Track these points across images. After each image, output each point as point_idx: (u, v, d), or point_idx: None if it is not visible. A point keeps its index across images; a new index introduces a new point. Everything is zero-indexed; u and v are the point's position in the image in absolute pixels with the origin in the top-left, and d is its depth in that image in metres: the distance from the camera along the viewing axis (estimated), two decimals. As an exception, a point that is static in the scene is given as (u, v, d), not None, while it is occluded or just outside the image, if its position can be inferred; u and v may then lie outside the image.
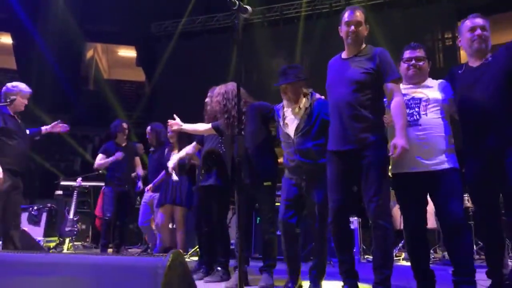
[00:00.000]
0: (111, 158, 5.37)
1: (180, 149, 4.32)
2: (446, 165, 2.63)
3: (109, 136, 5.74)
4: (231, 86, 3.47)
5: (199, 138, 4.03)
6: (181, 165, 4.47)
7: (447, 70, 2.97)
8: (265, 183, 3.26)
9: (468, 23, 2.74)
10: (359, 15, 2.75)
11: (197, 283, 3.13)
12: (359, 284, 2.80)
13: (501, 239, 2.65)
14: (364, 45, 2.80)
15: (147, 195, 5.47)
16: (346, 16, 2.77)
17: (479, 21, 2.70)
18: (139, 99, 10.63)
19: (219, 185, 3.66)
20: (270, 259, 3.27)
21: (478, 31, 2.67)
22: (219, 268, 3.62)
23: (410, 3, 8.41)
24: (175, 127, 3.66)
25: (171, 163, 4.09)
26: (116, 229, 5.22)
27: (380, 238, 2.67)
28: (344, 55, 2.85)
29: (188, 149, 4.14)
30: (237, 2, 2.50)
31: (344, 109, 2.69)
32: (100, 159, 5.45)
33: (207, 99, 3.87)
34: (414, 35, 8.02)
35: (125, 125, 5.59)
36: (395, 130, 2.59)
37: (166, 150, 5.01)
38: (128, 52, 12.36)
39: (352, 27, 2.73)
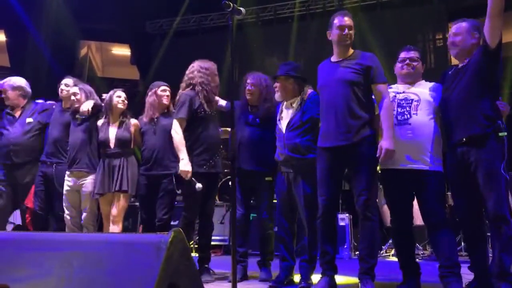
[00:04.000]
0: None
1: None
2: (431, 166, 2.76)
3: None
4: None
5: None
6: (123, 141, 3.72)
7: (438, 71, 3.10)
8: (266, 179, 3.37)
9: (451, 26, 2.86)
10: (350, 20, 2.92)
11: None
12: (349, 278, 2.90)
13: (483, 232, 2.74)
14: (352, 50, 2.96)
15: None
16: (337, 21, 2.92)
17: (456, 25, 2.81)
18: (133, 97, 10.64)
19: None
20: (268, 253, 3.41)
21: (450, 38, 2.80)
22: (206, 266, 3.45)
23: (401, 4, 8.53)
24: None
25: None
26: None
27: (367, 230, 2.79)
28: (333, 58, 3.00)
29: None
30: (231, 4, 2.58)
31: (339, 107, 2.83)
32: None
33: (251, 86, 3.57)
34: (405, 35, 8.13)
35: None
36: (383, 132, 2.74)
37: None
38: (122, 51, 12.37)
39: (346, 30, 2.88)
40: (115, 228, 3.68)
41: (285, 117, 3.15)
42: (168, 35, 9.64)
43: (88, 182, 3.76)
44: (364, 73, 2.83)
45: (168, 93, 3.78)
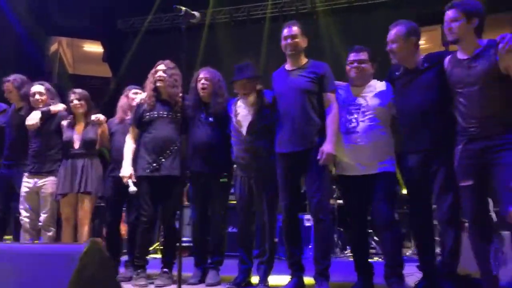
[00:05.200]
0: None
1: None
2: (380, 170, 2.83)
3: None
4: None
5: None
6: (88, 141, 3.66)
7: None
8: (221, 180, 3.34)
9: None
10: (295, 29, 2.98)
11: None
12: (310, 279, 2.97)
13: (432, 233, 2.85)
14: (306, 59, 3.04)
15: None
16: (283, 32, 3.01)
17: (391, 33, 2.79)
18: (103, 95, 10.49)
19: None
20: (218, 255, 3.34)
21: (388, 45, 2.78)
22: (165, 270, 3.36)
23: (372, 7, 8.69)
24: None
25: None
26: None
27: (320, 231, 2.88)
28: (288, 66, 3.08)
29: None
30: (182, 9, 2.58)
31: (294, 114, 2.92)
32: None
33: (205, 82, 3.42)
34: (375, 39, 8.27)
35: None
36: (326, 136, 2.83)
37: None
38: (94, 47, 12.16)
39: (289, 40, 2.97)
40: (83, 230, 3.63)
41: (244, 119, 3.14)
42: (140, 33, 9.53)
43: (48, 183, 3.68)
44: (318, 82, 2.93)
45: (139, 95, 3.76)
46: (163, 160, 3.27)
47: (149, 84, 3.44)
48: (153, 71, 3.43)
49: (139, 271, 3.33)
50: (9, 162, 3.85)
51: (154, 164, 3.26)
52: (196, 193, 3.42)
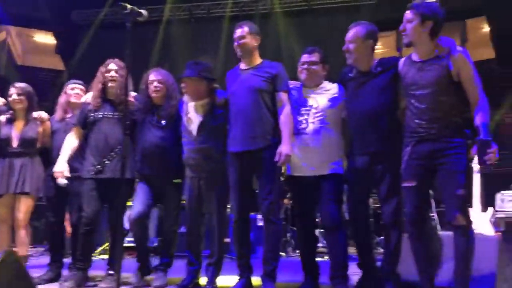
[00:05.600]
0: None
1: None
2: (329, 171, 2.87)
3: None
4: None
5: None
6: (28, 140, 3.51)
7: None
8: (175, 181, 3.27)
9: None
10: (242, 30, 2.99)
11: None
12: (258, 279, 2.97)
13: (370, 233, 2.95)
14: (260, 60, 3.05)
15: None
16: (234, 33, 3.03)
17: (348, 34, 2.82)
18: (55, 88, 10.08)
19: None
20: (167, 257, 3.27)
21: (345, 44, 2.81)
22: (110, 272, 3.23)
23: (331, 10, 8.86)
24: None
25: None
26: None
27: (270, 233, 2.89)
28: (242, 66, 3.08)
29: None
30: (127, 6, 2.49)
31: (247, 113, 2.90)
32: None
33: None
34: (333, 42, 8.42)
35: None
36: (282, 138, 2.83)
37: None
38: (46, 38, 11.64)
39: (237, 41, 2.99)
40: (21, 232, 3.47)
41: (194, 119, 3.10)
42: (95, 25, 9.23)
43: None
44: (271, 81, 2.94)
45: (77, 91, 3.61)
46: (107, 162, 3.18)
47: (97, 83, 3.30)
48: (103, 69, 3.29)
49: (74, 273, 3.21)
50: None
51: (98, 166, 3.16)
52: (148, 193, 3.28)
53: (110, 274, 3.20)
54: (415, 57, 2.60)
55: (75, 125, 3.33)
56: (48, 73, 11.41)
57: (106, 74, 3.26)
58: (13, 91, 3.54)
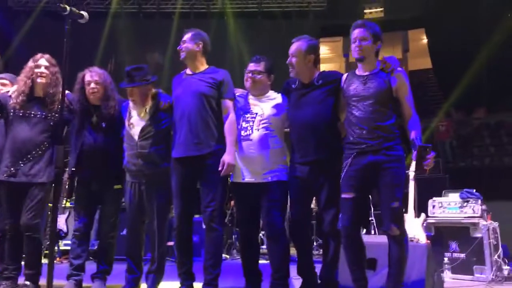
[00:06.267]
0: None
1: None
2: (271, 179, 2.89)
3: None
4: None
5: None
6: None
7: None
8: (115, 186, 3.16)
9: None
10: (185, 36, 3.02)
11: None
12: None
13: (309, 240, 3.02)
14: (206, 66, 3.06)
15: None
16: None
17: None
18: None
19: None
20: (105, 264, 3.16)
21: (289, 58, 2.89)
22: (27, 283, 2.93)
23: (280, 15, 8.98)
24: None
25: None
26: None
27: (211, 240, 2.87)
28: (187, 71, 3.07)
29: None
30: (67, 8, 2.37)
31: (192, 118, 2.88)
32: None
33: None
34: (280, 46, 8.54)
35: None
36: (226, 146, 2.84)
37: None
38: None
39: (180, 46, 3.03)
40: None
41: (137, 123, 3.01)
42: (34, 13, 8.71)
43: None
44: (216, 88, 2.94)
45: None
46: (22, 165, 2.94)
47: (23, 78, 3.03)
48: (32, 64, 3.04)
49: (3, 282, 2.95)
50: None
51: (12, 169, 2.93)
52: (84, 199, 3.18)
53: (25, 285, 2.93)
54: (359, 72, 2.74)
55: None
56: (-20, 61, 10.63)
57: (36, 70, 3.02)
58: None
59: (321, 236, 3.05)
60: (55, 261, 3.84)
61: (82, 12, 2.45)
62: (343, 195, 2.64)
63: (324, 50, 12.66)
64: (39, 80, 3.02)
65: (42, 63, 3.04)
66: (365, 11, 11.24)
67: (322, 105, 2.83)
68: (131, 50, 8.52)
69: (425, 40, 12.83)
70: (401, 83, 2.65)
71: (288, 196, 2.96)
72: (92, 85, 3.08)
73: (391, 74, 2.65)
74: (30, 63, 3.05)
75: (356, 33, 2.68)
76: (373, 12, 11.28)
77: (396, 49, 12.60)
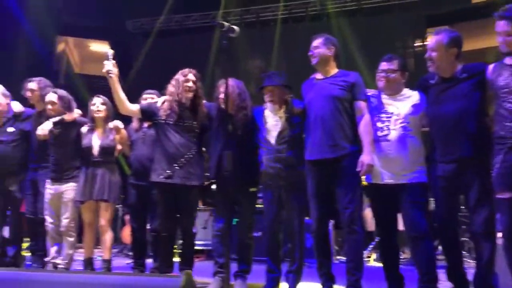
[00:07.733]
0: None
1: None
2: (410, 179, 2.81)
3: None
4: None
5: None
6: (107, 148, 3.71)
7: (418, 77, 3.07)
8: (251, 189, 3.32)
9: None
10: (316, 41, 3.06)
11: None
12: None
13: (459, 241, 2.86)
14: (337, 69, 3.08)
15: None
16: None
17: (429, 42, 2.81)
18: (111, 96, 10.46)
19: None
20: (245, 264, 3.30)
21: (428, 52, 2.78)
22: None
23: (381, 10, 8.68)
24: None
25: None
26: None
27: (352, 243, 2.93)
28: (318, 76, 3.12)
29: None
30: (225, 24, 2.58)
31: (326, 120, 2.92)
32: None
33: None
34: (385, 41, 8.25)
35: None
36: (363, 147, 2.83)
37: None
38: (101, 47, 12.13)
39: (311, 52, 3.06)
40: (105, 237, 3.72)
41: (273, 127, 3.13)
42: (151, 34, 9.52)
43: (70, 189, 3.72)
44: (349, 90, 2.94)
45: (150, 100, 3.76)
46: (177, 168, 3.23)
47: (173, 90, 3.34)
48: (182, 78, 3.33)
49: None
50: (35, 166, 3.95)
51: (168, 171, 3.24)
52: (223, 202, 3.38)
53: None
54: (508, 61, 2.53)
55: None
56: (104, 81, 11.87)
57: (185, 84, 3.34)
58: (96, 101, 3.74)
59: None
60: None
61: (233, 26, 2.65)
62: (498, 195, 2.46)
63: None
64: (187, 93, 3.32)
65: (190, 78, 3.34)
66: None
67: (467, 99, 2.67)
68: (235, 60, 8.84)
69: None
70: None
71: (434, 198, 2.85)
72: (221, 95, 3.23)
73: None
74: (180, 77, 3.36)
75: (500, 26, 2.51)
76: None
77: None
